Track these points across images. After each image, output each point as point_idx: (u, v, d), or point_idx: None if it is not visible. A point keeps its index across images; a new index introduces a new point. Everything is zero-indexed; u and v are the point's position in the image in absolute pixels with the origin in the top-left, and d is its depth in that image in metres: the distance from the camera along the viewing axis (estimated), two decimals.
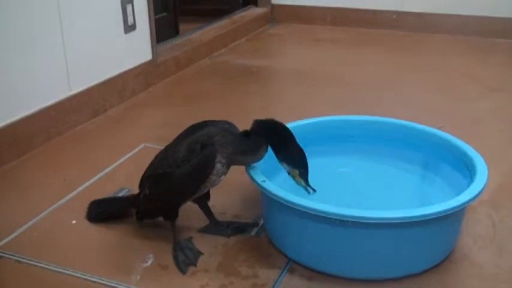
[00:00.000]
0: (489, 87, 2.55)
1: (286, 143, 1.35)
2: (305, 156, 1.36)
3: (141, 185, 1.44)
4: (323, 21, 3.63)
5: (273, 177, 1.45)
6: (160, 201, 1.40)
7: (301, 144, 1.55)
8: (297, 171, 1.37)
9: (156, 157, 1.43)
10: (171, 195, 1.38)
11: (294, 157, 1.36)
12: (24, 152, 1.93)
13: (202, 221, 1.51)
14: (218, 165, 1.32)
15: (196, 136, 1.34)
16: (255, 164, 1.39)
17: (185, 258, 1.37)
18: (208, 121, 1.39)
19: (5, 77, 1.87)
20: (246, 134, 1.36)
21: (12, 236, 1.50)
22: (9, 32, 1.86)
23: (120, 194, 1.67)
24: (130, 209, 1.53)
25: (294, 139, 1.35)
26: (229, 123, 1.40)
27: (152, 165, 1.42)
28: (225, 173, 1.36)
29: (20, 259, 1.40)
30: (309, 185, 1.38)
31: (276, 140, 1.36)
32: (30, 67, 1.96)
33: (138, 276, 1.34)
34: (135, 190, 1.59)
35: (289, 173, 1.39)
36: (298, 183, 1.38)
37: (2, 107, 1.87)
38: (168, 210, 1.41)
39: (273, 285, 1.30)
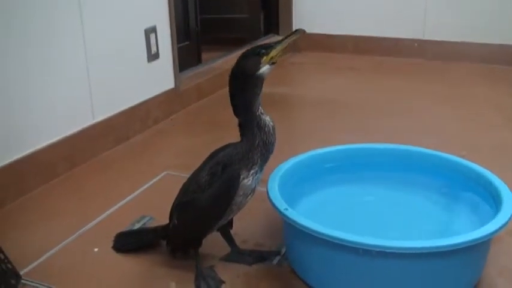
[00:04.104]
0: None
1: (243, 72, 1.30)
2: (246, 51, 1.31)
3: (170, 216, 1.43)
4: (345, 49, 3.65)
5: (295, 205, 1.45)
6: (189, 229, 1.40)
7: (323, 172, 1.55)
8: (264, 57, 1.30)
9: (183, 186, 1.43)
10: (199, 221, 1.37)
11: (252, 62, 1.30)
12: (48, 180, 1.95)
13: (224, 249, 1.50)
14: (245, 182, 1.31)
15: (217, 158, 1.34)
16: (278, 192, 1.38)
17: (207, 287, 1.36)
18: (228, 144, 1.38)
19: (30, 105, 1.90)
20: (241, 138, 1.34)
21: (36, 263, 1.50)
22: (34, 61, 1.90)
23: (142, 222, 1.67)
24: (158, 240, 1.53)
25: (235, 64, 1.31)
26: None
27: (179, 195, 1.42)
28: (253, 190, 1.35)
29: (42, 286, 1.40)
30: (280, 41, 1.31)
31: (246, 88, 1.30)
32: (54, 95, 1.99)
33: None
34: (158, 218, 1.59)
35: (273, 63, 1.31)
36: (281, 48, 1.31)
37: (27, 134, 1.90)
38: (196, 238, 1.40)
39: None
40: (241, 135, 1.34)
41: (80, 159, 2.09)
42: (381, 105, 2.73)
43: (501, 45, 3.26)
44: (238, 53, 3.62)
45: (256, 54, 1.30)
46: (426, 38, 3.44)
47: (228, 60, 3.22)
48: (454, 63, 3.34)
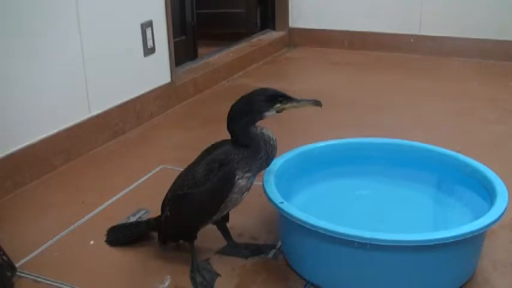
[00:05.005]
0: (508, 110, 2.54)
1: (251, 106, 1.33)
2: (267, 91, 1.34)
3: (163, 207, 1.44)
4: (341, 44, 3.65)
5: (291, 199, 1.45)
6: (181, 222, 1.40)
7: (319, 167, 1.56)
8: (278, 105, 1.34)
9: (177, 179, 1.43)
10: (191, 216, 1.38)
11: (265, 103, 1.33)
12: (44, 173, 1.95)
13: (220, 242, 1.50)
14: (240, 182, 1.32)
15: (214, 155, 1.35)
16: (273, 185, 1.39)
17: (203, 280, 1.37)
18: (225, 140, 1.39)
19: (26, 99, 1.90)
20: (236, 143, 1.34)
21: (31, 255, 1.51)
22: (30, 54, 1.89)
23: (138, 215, 1.68)
24: (151, 232, 1.54)
25: (250, 94, 1.34)
26: None
27: (173, 187, 1.42)
28: (248, 189, 1.36)
29: (38, 279, 1.41)
30: (298, 100, 1.36)
31: (246, 118, 1.33)
32: (50, 89, 1.99)
33: None
34: (153, 211, 1.60)
35: (279, 112, 1.35)
36: (295, 106, 1.36)
37: (23, 128, 1.90)
38: (188, 232, 1.41)
39: None
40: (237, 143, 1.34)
41: (76, 153, 2.09)
42: (377, 101, 2.73)
43: (497, 41, 3.26)
44: (234, 47, 3.62)
45: (274, 99, 1.33)
46: (422, 33, 3.45)
47: (224, 55, 3.22)
48: (449, 59, 3.35)
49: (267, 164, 1.37)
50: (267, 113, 1.34)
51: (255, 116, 1.33)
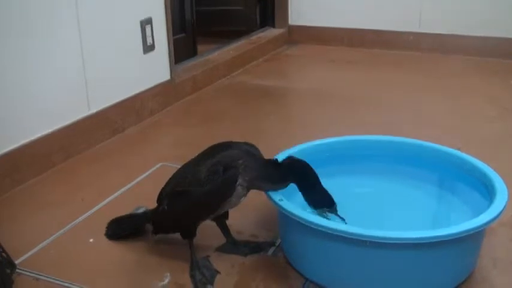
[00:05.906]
0: (508, 108, 2.54)
1: (313, 186, 1.37)
2: (331, 197, 1.37)
3: (159, 200, 1.44)
4: (340, 42, 3.65)
5: (290, 196, 1.45)
6: (178, 218, 1.40)
7: (318, 164, 1.55)
8: (326, 210, 1.38)
9: (176, 174, 1.43)
10: (189, 213, 1.38)
11: (319, 200, 1.37)
12: (43, 170, 1.95)
13: (219, 239, 1.50)
14: (239, 188, 1.32)
15: (220, 157, 1.34)
16: None
17: (202, 277, 1.37)
18: (232, 142, 1.39)
19: (25, 96, 1.89)
20: (274, 164, 1.37)
21: (31, 253, 1.50)
22: (30, 52, 1.89)
23: (137, 212, 1.67)
24: (148, 224, 1.53)
25: (320, 182, 1.37)
26: (252, 146, 1.41)
27: (172, 182, 1.42)
28: (244, 195, 1.36)
29: (38, 276, 1.41)
30: (338, 215, 1.39)
31: (304, 182, 1.37)
32: (50, 86, 1.98)
33: None
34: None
35: (318, 213, 1.39)
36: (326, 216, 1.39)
37: (22, 125, 1.89)
38: (185, 228, 1.41)
39: None
40: (272, 164, 1.37)
41: (75, 151, 2.09)
42: (376, 98, 2.73)
43: (497, 39, 3.26)
44: (234, 45, 3.61)
45: (327, 205, 1.38)
46: (422, 31, 3.45)
47: (223, 52, 3.22)
48: (449, 56, 3.35)
49: (260, 190, 1.40)
50: (311, 208, 1.38)
51: (307, 196, 1.38)
